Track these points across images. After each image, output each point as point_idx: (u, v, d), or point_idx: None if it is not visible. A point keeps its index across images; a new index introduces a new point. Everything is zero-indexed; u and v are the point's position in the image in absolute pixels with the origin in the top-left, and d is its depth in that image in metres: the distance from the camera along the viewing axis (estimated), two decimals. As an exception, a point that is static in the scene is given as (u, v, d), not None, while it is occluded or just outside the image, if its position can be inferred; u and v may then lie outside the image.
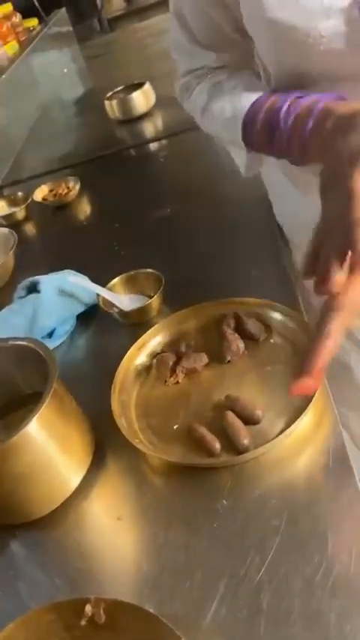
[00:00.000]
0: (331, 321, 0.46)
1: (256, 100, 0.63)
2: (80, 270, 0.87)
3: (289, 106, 0.58)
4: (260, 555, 0.48)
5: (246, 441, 0.56)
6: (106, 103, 1.61)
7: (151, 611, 0.43)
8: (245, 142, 0.66)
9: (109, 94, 1.65)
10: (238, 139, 0.66)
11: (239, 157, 0.71)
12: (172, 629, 0.41)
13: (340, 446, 0.54)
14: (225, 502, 0.53)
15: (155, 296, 0.77)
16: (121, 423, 0.61)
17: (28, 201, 1.26)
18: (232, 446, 0.56)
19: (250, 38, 0.67)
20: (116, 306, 0.80)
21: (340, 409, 0.90)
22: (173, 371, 0.66)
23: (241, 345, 0.67)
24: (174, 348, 0.69)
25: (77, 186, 1.25)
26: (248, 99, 0.64)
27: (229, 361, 0.66)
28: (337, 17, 0.52)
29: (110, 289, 0.82)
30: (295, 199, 0.78)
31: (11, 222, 1.24)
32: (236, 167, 0.73)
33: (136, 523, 0.55)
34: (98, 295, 0.81)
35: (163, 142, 1.43)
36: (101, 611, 0.45)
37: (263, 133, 0.62)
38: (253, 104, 0.63)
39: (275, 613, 0.44)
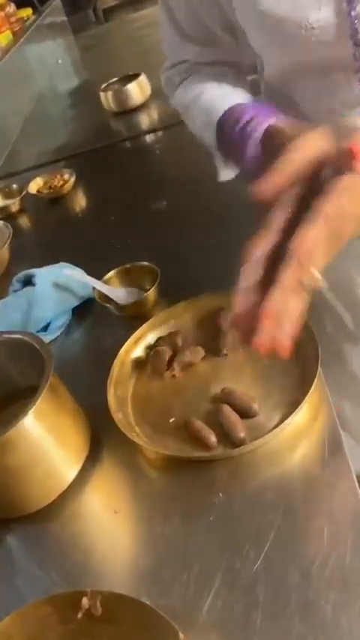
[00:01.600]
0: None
1: (228, 109, 0.64)
2: (75, 263, 0.87)
3: (243, 126, 0.60)
4: (256, 548, 0.48)
5: (242, 435, 0.56)
6: (101, 94, 1.60)
7: (148, 603, 0.43)
8: (220, 149, 0.67)
9: (104, 85, 1.64)
10: (212, 146, 0.67)
11: (217, 160, 0.72)
12: (168, 621, 0.41)
13: (335, 438, 0.54)
14: (221, 495, 0.53)
15: (151, 289, 0.77)
16: (118, 416, 0.61)
17: (23, 193, 1.25)
18: (228, 439, 0.56)
19: (236, 37, 0.68)
20: (112, 300, 0.79)
21: (334, 399, 0.91)
22: (169, 364, 0.66)
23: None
24: (170, 341, 0.69)
25: (72, 179, 1.24)
26: (221, 107, 0.65)
27: (225, 355, 0.66)
28: (327, 9, 0.53)
29: (106, 282, 0.82)
30: None
31: (6, 214, 1.23)
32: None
33: (132, 516, 0.55)
34: (94, 288, 0.81)
35: (159, 133, 1.42)
36: (98, 604, 0.45)
37: (228, 147, 0.64)
38: (225, 113, 0.64)
39: (271, 605, 0.45)
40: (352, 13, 0.52)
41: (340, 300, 0.82)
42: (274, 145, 0.55)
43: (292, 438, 0.56)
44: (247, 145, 0.59)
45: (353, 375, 0.88)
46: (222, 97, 0.67)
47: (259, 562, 0.47)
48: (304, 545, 0.47)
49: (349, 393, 0.91)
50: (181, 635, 0.40)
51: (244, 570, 0.47)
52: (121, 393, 0.65)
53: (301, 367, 0.61)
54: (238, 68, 0.75)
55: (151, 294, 0.77)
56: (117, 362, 0.67)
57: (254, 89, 0.75)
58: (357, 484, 0.50)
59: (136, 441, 0.58)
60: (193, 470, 0.56)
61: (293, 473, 0.53)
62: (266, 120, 0.58)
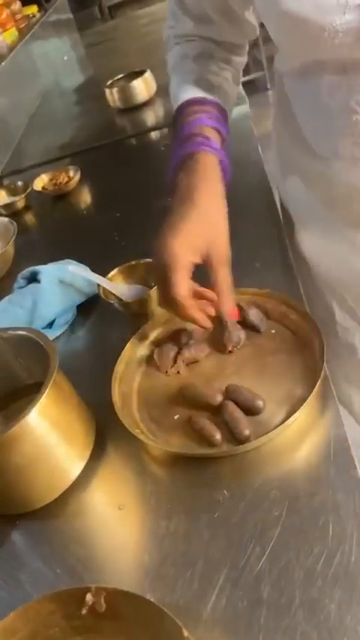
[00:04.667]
0: None
1: (185, 101, 0.70)
2: (80, 259, 0.87)
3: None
4: (261, 545, 0.48)
5: (247, 432, 0.56)
6: (107, 91, 1.59)
7: (152, 600, 0.43)
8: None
9: (110, 82, 1.63)
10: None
11: None
12: (172, 618, 0.41)
13: (341, 435, 0.54)
14: (226, 492, 0.53)
15: (155, 286, 0.77)
16: (122, 413, 0.61)
17: (28, 190, 1.25)
18: (232, 436, 0.56)
19: (231, 21, 0.73)
20: (117, 297, 0.79)
21: (343, 388, 0.91)
22: (174, 361, 0.66)
23: (242, 335, 0.66)
24: (175, 338, 0.69)
25: (77, 176, 1.24)
26: (182, 96, 0.71)
27: (230, 351, 0.66)
28: (353, 13, 0.52)
29: (111, 279, 0.81)
30: (303, 179, 0.78)
31: (11, 211, 1.23)
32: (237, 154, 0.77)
33: (137, 513, 0.55)
34: (99, 285, 0.81)
35: (164, 130, 1.42)
36: (102, 601, 0.45)
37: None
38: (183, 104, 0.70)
39: (276, 603, 0.44)
40: None
41: (350, 293, 0.82)
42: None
43: (298, 435, 0.56)
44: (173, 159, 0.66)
45: None
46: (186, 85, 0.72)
47: (263, 559, 0.47)
48: (309, 543, 0.47)
49: (357, 380, 0.91)
50: (185, 632, 0.40)
51: (248, 567, 0.47)
52: (125, 390, 0.65)
53: (306, 363, 0.61)
54: (226, 48, 0.79)
55: (156, 291, 0.77)
56: (121, 359, 0.67)
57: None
58: (363, 482, 0.50)
59: (141, 437, 0.58)
60: (198, 467, 0.56)
61: (298, 470, 0.53)
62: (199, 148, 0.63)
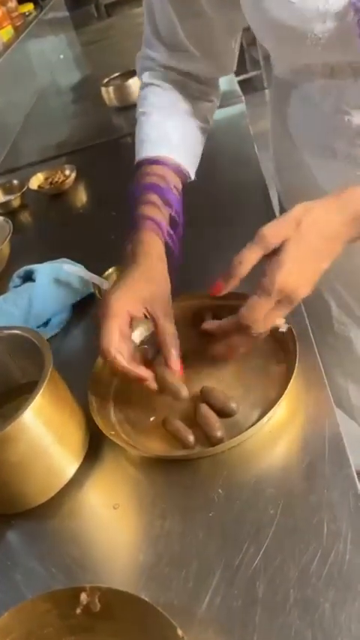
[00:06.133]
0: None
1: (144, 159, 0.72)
2: (76, 259, 0.87)
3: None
4: (256, 544, 0.48)
5: (219, 433, 0.56)
6: (103, 89, 1.59)
7: (147, 599, 0.43)
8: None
9: (106, 80, 1.63)
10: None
11: None
12: (167, 618, 0.41)
13: (336, 434, 0.54)
14: (221, 491, 0.53)
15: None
16: (97, 415, 0.61)
17: (24, 189, 1.25)
18: (206, 438, 0.57)
19: (204, 52, 0.74)
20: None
21: (340, 383, 0.91)
22: (151, 364, 0.66)
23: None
24: (153, 341, 0.69)
25: (73, 174, 1.24)
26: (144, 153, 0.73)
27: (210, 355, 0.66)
28: (332, 21, 0.54)
29: (106, 278, 0.81)
30: (304, 173, 0.78)
31: (7, 210, 1.23)
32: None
33: (132, 512, 0.55)
34: (94, 284, 0.81)
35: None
36: (96, 600, 0.45)
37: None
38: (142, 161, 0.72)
39: (270, 602, 0.44)
40: None
41: (346, 289, 0.82)
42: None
43: (293, 433, 0.56)
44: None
45: (358, 356, 0.89)
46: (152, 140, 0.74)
47: (258, 558, 0.47)
48: (304, 542, 0.47)
49: (355, 377, 0.92)
50: (179, 632, 0.40)
51: (243, 567, 0.47)
52: (103, 391, 0.65)
53: (281, 365, 0.61)
54: (199, 80, 0.78)
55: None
56: (99, 361, 0.67)
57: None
58: (357, 480, 0.50)
59: (114, 439, 0.58)
60: (194, 466, 0.56)
61: (293, 469, 0.53)
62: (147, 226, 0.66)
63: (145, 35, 0.79)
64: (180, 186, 0.73)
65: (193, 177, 0.76)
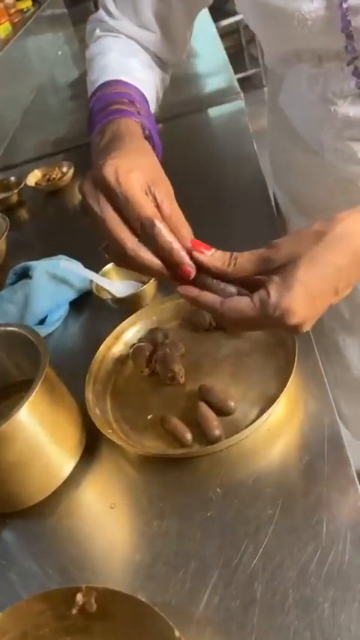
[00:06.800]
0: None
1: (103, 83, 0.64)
2: (73, 255, 0.86)
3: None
4: (254, 544, 0.48)
5: (217, 432, 0.55)
6: (101, 86, 1.58)
7: (144, 600, 0.43)
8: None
9: (104, 77, 1.62)
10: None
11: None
12: (164, 618, 0.41)
13: (335, 434, 0.54)
14: (219, 490, 0.53)
15: (149, 282, 0.76)
16: (95, 412, 0.60)
17: (21, 185, 1.24)
18: (204, 437, 0.56)
19: (163, 32, 0.71)
20: (110, 293, 0.78)
21: (330, 388, 0.91)
22: (149, 361, 0.65)
23: (233, 289, 0.64)
24: (151, 337, 0.68)
25: (71, 171, 1.23)
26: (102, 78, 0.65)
27: (206, 329, 0.66)
28: (319, 1, 0.54)
29: (104, 275, 0.81)
30: (302, 171, 0.78)
31: (4, 207, 1.22)
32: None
33: (129, 511, 0.55)
34: (91, 281, 0.80)
35: (159, 125, 1.40)
36: (92, 600, 0.45)
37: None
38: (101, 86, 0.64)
39: (269, 602, 0.44)
40: (344, 5, 0.53)
41: None
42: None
43: (292, 432, 0.55)
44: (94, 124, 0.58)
45: (348, 364, 0.89)
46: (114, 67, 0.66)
47: (256, 558, 0.47)
48: (303, 541, 0.47)
49: (344, 383, 0.91)
50: (176, 632, 0.40)
51: (241, 566, 0.47)
52: (99, 389, 0.65)
53: (279, 364, 0.61)
54: (153, 56, 0.75)
55: (149, 287, 0.76)
56: (97, 358, 0.67)
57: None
58: (356, 479, 0.50)
59: (111, 437, 0.57)
60: (192, 465, 0.55)
61: (292, 468, 0.53)
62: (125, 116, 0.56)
63: (105, 4, 0.74)
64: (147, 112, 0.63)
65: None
